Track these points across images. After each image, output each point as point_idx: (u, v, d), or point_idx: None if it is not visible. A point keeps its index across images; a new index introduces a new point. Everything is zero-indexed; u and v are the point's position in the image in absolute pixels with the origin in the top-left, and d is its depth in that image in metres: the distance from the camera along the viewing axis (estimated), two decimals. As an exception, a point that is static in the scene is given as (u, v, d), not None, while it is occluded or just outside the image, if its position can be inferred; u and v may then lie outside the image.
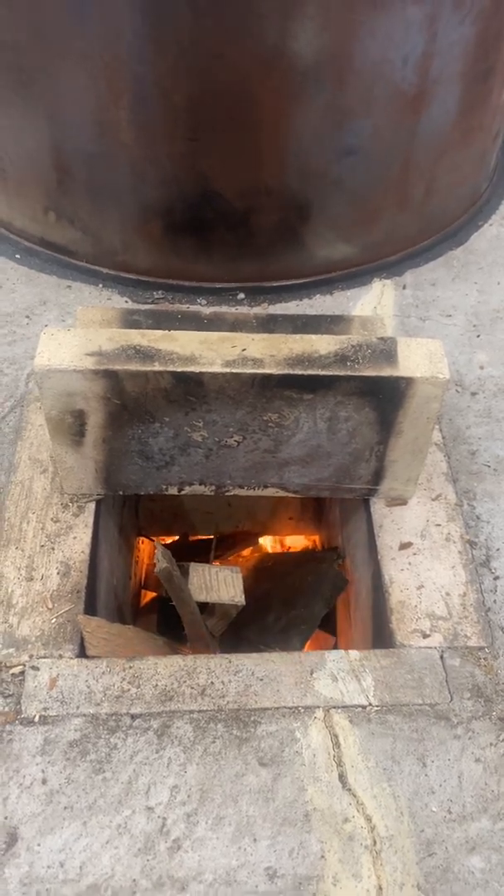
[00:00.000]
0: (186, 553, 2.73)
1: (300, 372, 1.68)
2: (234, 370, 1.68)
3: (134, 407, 1.74)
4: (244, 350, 1.72)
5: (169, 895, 1.40)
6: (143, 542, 3.04)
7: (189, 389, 1.71)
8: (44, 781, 1.52)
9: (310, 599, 2.36)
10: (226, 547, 3.08)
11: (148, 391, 1.71)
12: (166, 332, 1.75)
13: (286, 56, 2.04)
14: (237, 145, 2.19)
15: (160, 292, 2.55)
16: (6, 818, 1.47)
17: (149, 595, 3.00)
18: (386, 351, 1.72)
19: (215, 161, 2.23)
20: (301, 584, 2.45)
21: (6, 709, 1.60)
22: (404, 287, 2.64)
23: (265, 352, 1.72)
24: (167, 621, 2.60)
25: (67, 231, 2.50)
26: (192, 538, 3.09)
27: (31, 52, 2.11)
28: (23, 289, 2.52)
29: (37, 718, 1.59)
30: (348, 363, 1.69)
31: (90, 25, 2.00)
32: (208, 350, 1.72)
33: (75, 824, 1.47)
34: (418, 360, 1.70)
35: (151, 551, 3.14)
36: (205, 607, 2.23)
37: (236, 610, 2.25)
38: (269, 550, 3.17)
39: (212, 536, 3.08)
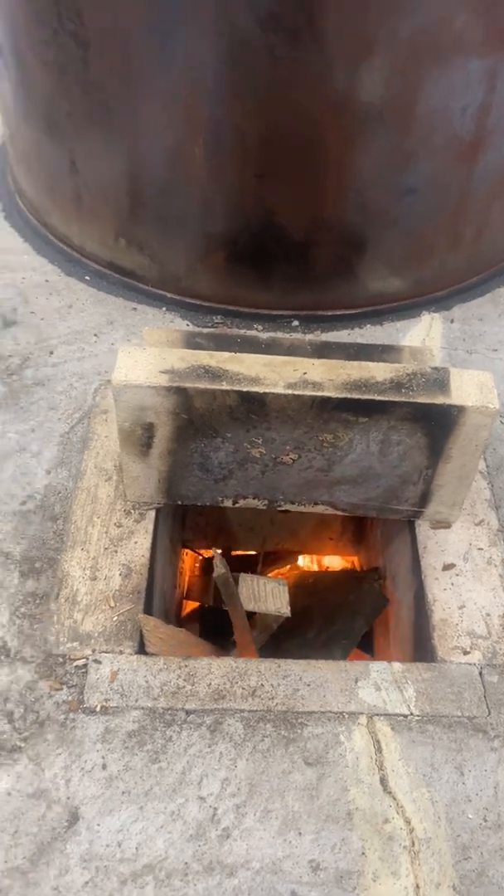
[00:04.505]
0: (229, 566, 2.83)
1: (357, 396, 1.80)
2: (296, 392, 1.80)
3: (200, 422, 1.87)
4: (305, 374, 1.84)
5: (218, 879, 1.49)
6: (186, 554, 3.15)
7: (252, 408, 1.83)
8: (104, 767, 1.62)
9: (350, 616, 2.45)
10: (267, 563, 3.19)
11: (214, 408, 1.84)
12: (233, 354, 1.88)
13: (353, 102, 2.18)
14: (302, 183, 2.34)
15: (219, 317, 2.69)
16: (69, 798, 1.57)
17: (190, 605, 3.10)
18: (439, 380, 1.83)
19: (280, 197, 2.37)
20: (342, 601, 2.54)
21: (70, 698, 1.72)
22: (452, 321, 2.75)
23: (325, 376, 1.84)
24: (208, 631, 2.70)
25: (136, 257, 2.66)
26: (234, 553, 3.20)
27: (118, 92, 2.28)
28: (92, 309, 2.67)
29: (98, 708, 1.70)
30: (403, 390, 1.81)
31: (175, 70, 2.16)
32: (271, 372, 1.84)
33: (132, 808, 1.57)
34: (470, 389, 1.80)
35: (193, 563, 3.26)
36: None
37: (277, 623, 2.35)
38: (309, 569, 3.26)
39: (253, 552, 3.19)
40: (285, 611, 2.16)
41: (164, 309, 2.70)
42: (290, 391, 1.81)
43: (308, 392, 1.80)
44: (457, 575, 2.00)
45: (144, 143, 2.36)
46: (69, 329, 2.59)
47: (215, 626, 2.67)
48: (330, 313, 2.70)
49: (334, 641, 2.41)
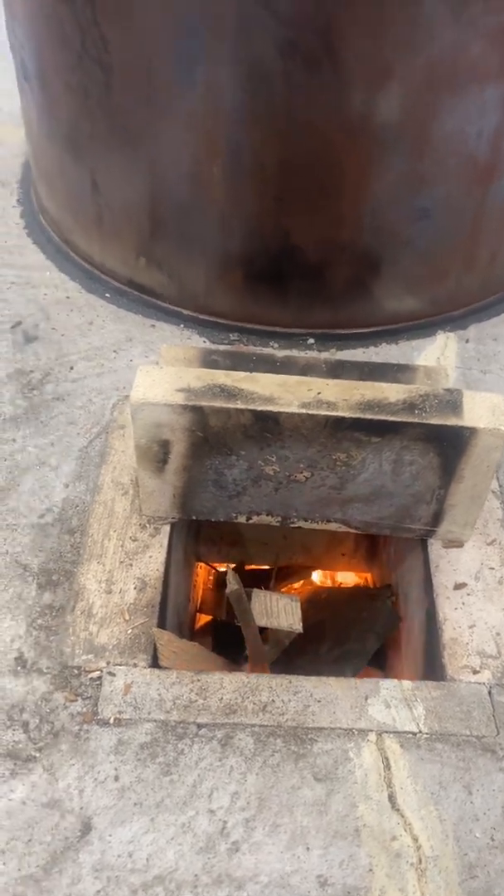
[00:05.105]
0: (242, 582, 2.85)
1: (371, 416, 1.83)
2: (310, 411, 1.84)
3: (214, 440, 1.90)
4: (319, 394, 1.88)
5: (227, 892, 1.51)
6: (200, 567, 3.18)
7: (266, 427, 1.87)
8: (116, 778, 1.65)
9: (363, 634, 2.47)
10: (278, 578, 3.21)
11: (229, 426, 1.87)
12: (248, 373, 1.92)
13: (370, 127, 2.22)
14: (319, 206, 2.38)
15: (236, 334, 2.73)
16: (82, 808, 1.60)
17: (203, 618, 3.13)
18: (452, 402, 1.85)
19: (297, 219, 2.42)
20: (355, 618, 2.56)
21: (85, 709, 1.75)
22: (467, 341, 2.78)
23: (338, 396, 1.87)
24: (221, 645, 2.73)
25: (155, 275, 2.71)
26: (247, 567, 3.22)
27: (139, 115, 2.34)
28: (111, 326, 2.73)
29: (112, 720, 1.73)
30: (416, 411, 1.83)
31: (196, 95, 2.22)
32: (286, 392, 1.88)
33: (144, 819, 1.59)
34: (482, 412, 1.83)
35: (206, 577, 3.29)
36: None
37: (290, 639, 2.37)
38: (321, 584, 3.28)
39: (266, 566, 3.21)
40: (297, 627, 2.18)
41: (181, 326, 2.74)
42: (303, 410, 1.84)
43: (322, 412, 1.84)
44: (468, 594, 2.01)
45: (164, 164, 2.42)
46: (89, 345, 2.64)
47: (228, 640, 2.70)
48: (345, 332, 2.73)
49: (346, 658, 2.43)
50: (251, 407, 1.84)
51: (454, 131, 2.27)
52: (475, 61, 2.12)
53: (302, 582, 3.35)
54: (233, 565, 3.18)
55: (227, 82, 2.18)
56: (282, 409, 1.84)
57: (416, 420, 1.81)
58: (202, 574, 3.25)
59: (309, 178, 2.34)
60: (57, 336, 2.67)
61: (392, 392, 1.88)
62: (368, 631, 2.45)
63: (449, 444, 1.84)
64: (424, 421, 1.81)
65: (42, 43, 2.44)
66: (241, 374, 1.92)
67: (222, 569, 3.17)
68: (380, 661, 2.64)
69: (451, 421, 1.81)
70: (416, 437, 1.84)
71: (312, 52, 2.09)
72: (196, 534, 2.94)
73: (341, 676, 2.28)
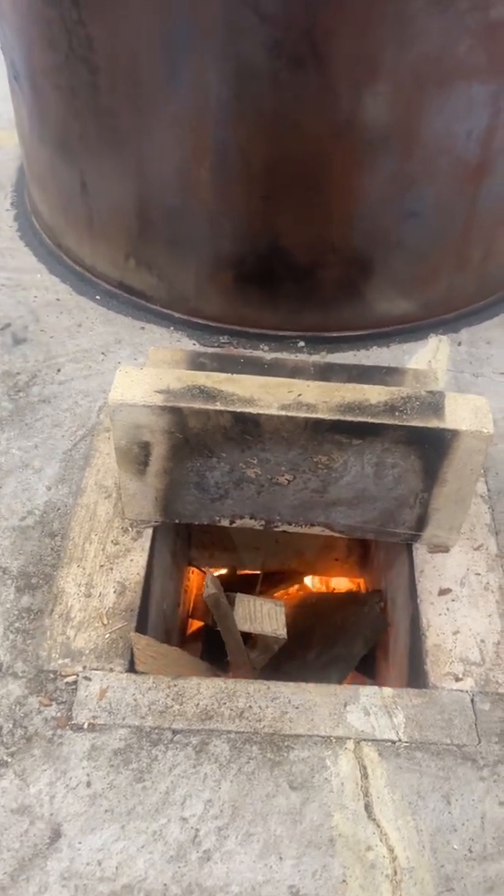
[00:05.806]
0: (234, 587, 2.83)
1: (350, 418, 1.80)
2: (289, 413, 1.81)
3: (195, 442, 1.88)
4: (299, 395, 1.85)
5: (196, 902, 1.48)
6: (193, 573, 3.16)
7: (246, 429, 1.84)
8: (88, 784, 1.62)
9: (350, 639, 2.43)
10: (272, 583, 3.18)
11: (209, 428, 1.85)
12: (229, 375, 1.90)
13: (357, 127, 2.20)
14: (307, 206, 2.36)
15: (226, 337, 2.71)
16: (52, 815, 1.58)
17: (195, 624, 3.10)
18: (434, 404, 1.82)
19: (286, 219, 2.40)
20: (343, 624, 2.52)
21: (59, 714, 1.73)
22: (459, 344, 2.74)
23: (319, 398, 1.84)
24: (211, 651, 2.70)
25: (145, 277, 2.70)
26: (240, 572, 3.19)
27: (127, 117, 2.33)
28: (100, 328, 2.71)
29: (86, 725, 1.71)
30: (397, 413, 1.80)
31: (182, 95, 2.21)
32: (266, 394, 1.85)
33: (114, 827, 1.57)
34: (464, 414, 1.80)
35: (200, 582, 3.26)
36: (247, 640, 2.32)
37: (278, 644, 2.34)
38: (313, 590, 3.25)
39: (259, 572, 3.18)
40: (281, 633, 2.16)
41: (171, 328, 2.73)
42: (283, 412, 1.81)
43: (301, 414, 1.81)
44: (453, 600, 1.98)
45: (152, 165, 2.41)
46: (77, 347, 2.63)
47: (219, 646, 2.67)
48: (336, 334, 2.71)
49: (333, 664, 2.40)
50: (230, 408, 1.82)
51: (443, 130, 2.24)
52: (462, 58, 2.09)
53: (297, 587, 3.33)
54: (215, 571, 3.16)
55: (214, 81, 2.17)
56: (261, 411, 1.82)
57: (396, 422, 1.78)
58: (195, 579, 3.23)
59: (297, 179, 2.32)
60: (45, 338, 2.66)
61: (373, 394, 1.85)
62: (356, 636, 2.42)
63: (431, 447, 1.81)
64: (405, 423, 1.78)
65: (30, 43, 2.44)
66: (223, 375, 1.90)
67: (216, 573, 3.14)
68: (369, 668, 2.60)
69: (433, 423, 1.78)
70: (397, 439, 1.81)
71: (298, 51, 2.07)
72: (188, 538, 2.92)
73: (328, 682, 2.25)
